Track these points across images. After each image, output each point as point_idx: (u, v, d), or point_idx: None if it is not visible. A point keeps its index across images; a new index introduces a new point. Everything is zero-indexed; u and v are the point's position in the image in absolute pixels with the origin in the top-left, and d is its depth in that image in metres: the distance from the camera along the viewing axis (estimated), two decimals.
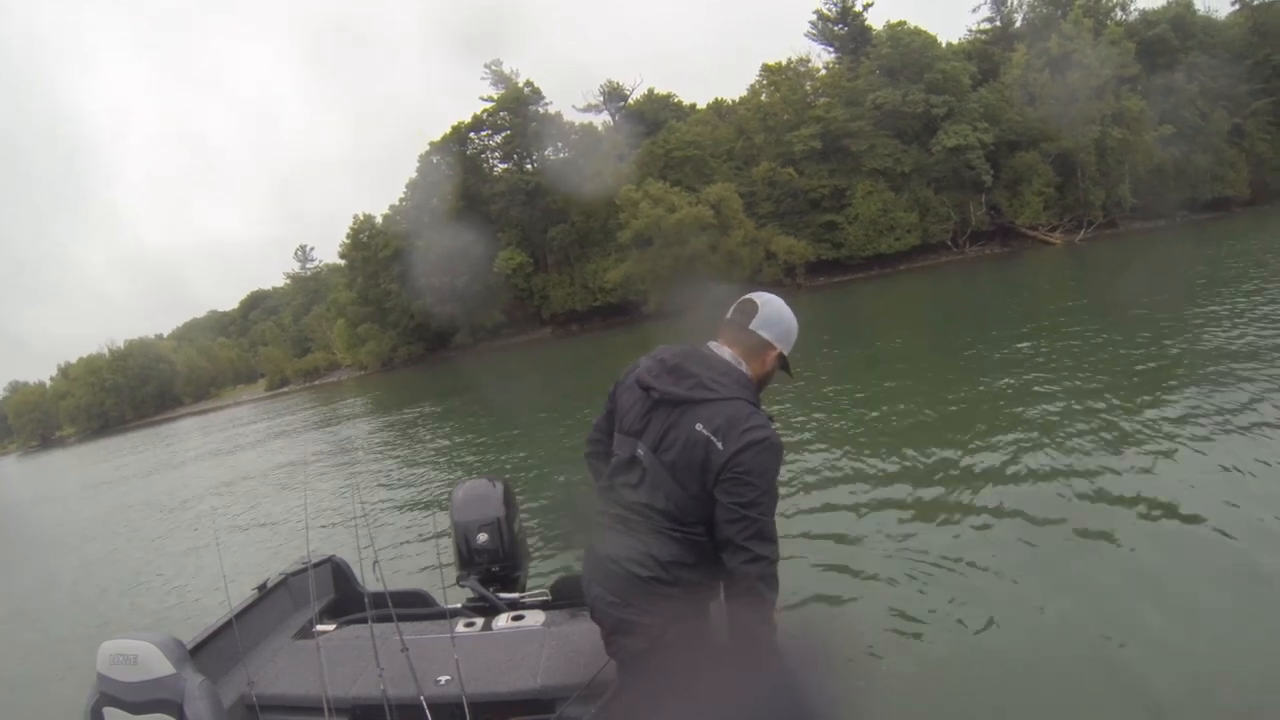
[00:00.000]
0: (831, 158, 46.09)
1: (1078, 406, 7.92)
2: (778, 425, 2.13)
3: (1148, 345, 10.73)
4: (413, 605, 3.58)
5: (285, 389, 69.08)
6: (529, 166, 49.10)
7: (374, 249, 50.83)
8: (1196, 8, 51.65)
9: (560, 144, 50.07)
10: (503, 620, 3.20)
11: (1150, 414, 7.24)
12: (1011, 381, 9.79)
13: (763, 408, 2.21)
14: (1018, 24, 52.13)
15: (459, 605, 3.52)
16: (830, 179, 46.03)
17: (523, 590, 3.66)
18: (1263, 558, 4.14)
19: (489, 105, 49.48)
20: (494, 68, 50.08)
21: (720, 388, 2.14)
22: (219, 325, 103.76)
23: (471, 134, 49.78)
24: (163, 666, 2.35)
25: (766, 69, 50.09)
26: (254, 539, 8.76)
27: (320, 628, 3.34)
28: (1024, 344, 12.32)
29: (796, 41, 61.32)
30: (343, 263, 56.58)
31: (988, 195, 46.13)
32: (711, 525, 2.11)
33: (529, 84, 49.95)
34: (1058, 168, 45.54)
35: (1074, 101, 43.15)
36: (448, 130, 49.75)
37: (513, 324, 48.67)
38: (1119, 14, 51.35)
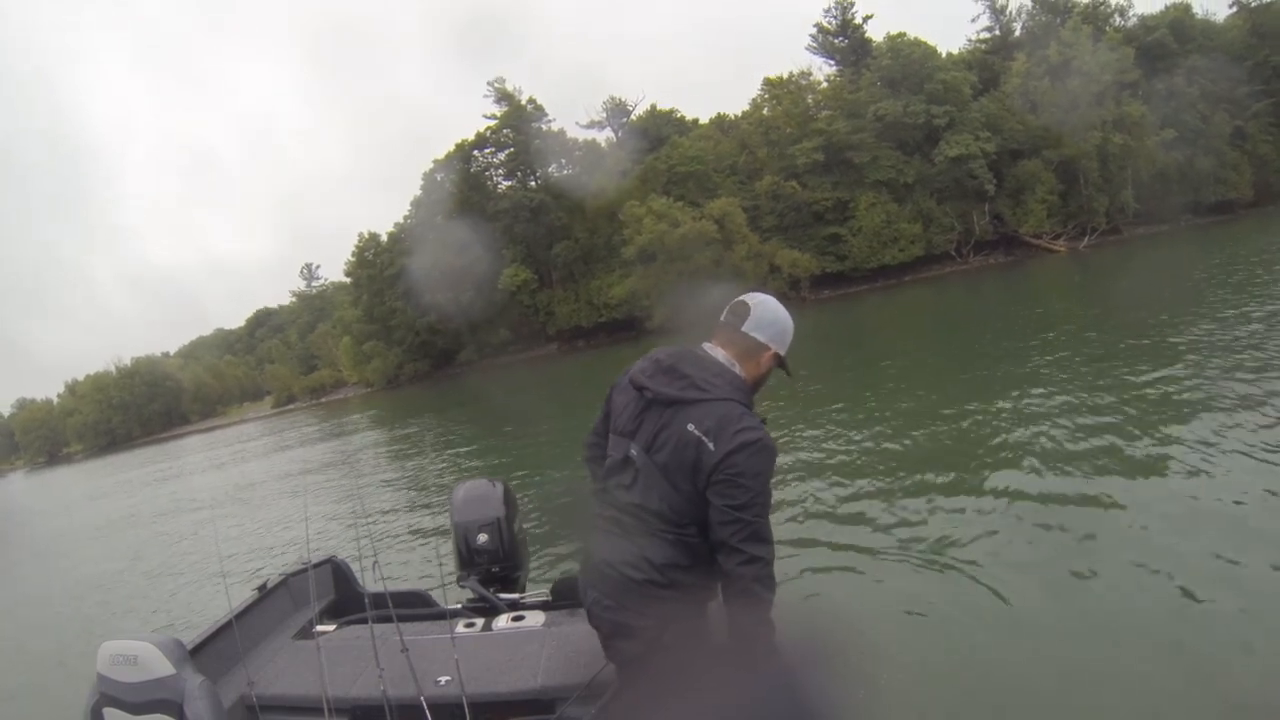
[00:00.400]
0: (834, 170, 46.09)
1: (1083, 412, 7.93)
2: (773, 429, 2.15)
3: (1154, 351, 10.71)
4: (413, 606, 3.57)
5: (291, 406, 69.30)
6: (533, 183, 49.25)
7: (379, 266, 51.05)
8: (1195, 11, 51.84)
9: (564, 160, 50.24)
10: (503, 621, 3.19)
11: (1155, 418, 7.24)
12: (1016, 390, 9.76)
13: (756, 410, 2.21)
14: (1017, 33, 52.23)
15: (459, 605, 3.51)
16: (833, 191, 46.00)
17: (523, 591, 3.66)
18: (1269, 561, 4.12)
19: (492, 123, 49.71)
20: (497, 85, 50.32)
21: (713, 389, 2.14)
22: (225, 343, 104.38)
23: (475, 151, 49.95)
24: (163, 667, 2.35)
25: (768, 83, 50.25)
26: (254, 540, 8.76)
27: (320, 628, 3.34)
28: (1029, 353, 12.32)
29: (797, 55, 61.68)
30: (348, 280, 56.74)
31: (991, 204, 46.09)
32: (705, 526, 2.11)
33: (532, 101, 50.23)
34: (1060, 175, 45.48)
35: (1075, 108, 43.18)
36: (451, 148, 50.08)
37: (518, 340, 48.73)
38: (1117, 20, 51.59)
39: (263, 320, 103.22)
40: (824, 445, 8.69)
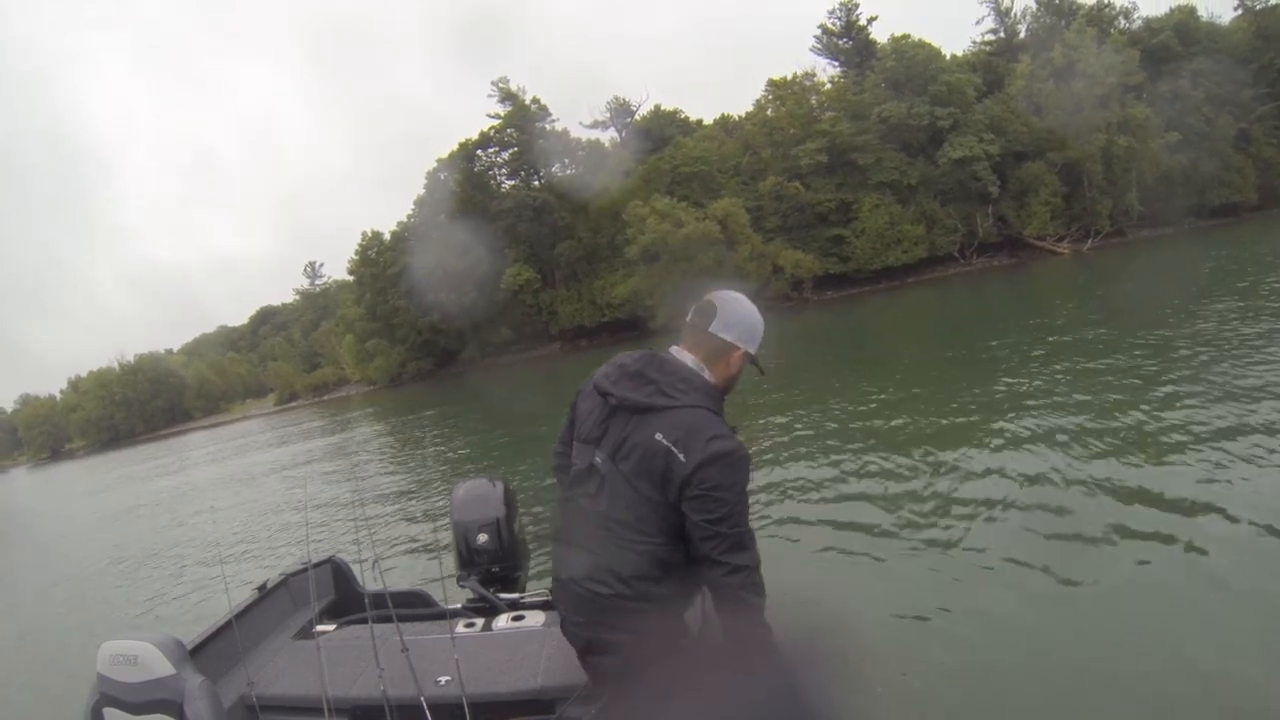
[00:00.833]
0: (838, 171, 46.09)
1: (1088, 415, 7.90)
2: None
3: (1160, 353, 10.70)
4: (413, 605, 3.57)
5: (294, 403, 69.56)
6: (536, 183, 49.31)
7: (382, 265, 51.18)
8: (1200, 13, 51.61)
9: (567, 160, 50.38)
10: (503, 620, 3.19)
11: (1160, 420, 7.21)
12: (1019, 392, 9.75)
13: (730, 421, 2.15)
14: (1021, 35, 52.25)
15: (459, 605, 3.51)
16: (837, 193, 46.02)
17: (523, 590, 3.65)
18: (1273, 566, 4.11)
19: (496, 122, 49.82)
20: (501, 85, 50.41)
21: (680, 395, 2.07)
22: (229, 340, 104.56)
23: (479, 150, 50.06)
24: (163, 667, 2.34)
25: (772, 84, 50.25)
26: (254, 540, 8.77)
27: (320, 628, 3.34)
28: (1033, 355, 12.30)
29: (798, 55, 61.66)
30: (351, 279, 56.93)
31: (994, 206, 46.04)
32: (674, 537, 2.06)
33: (535, 101, 50.32)
34: (1064, 177, 45.42)
35: (1079, 110, 43.12)
36: (455, 147, 50.16)
37: (521, 339, 48.78)
38: (1122, 22, 51.52)
39: (266, 318, 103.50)
40: (824, 446, 8.67)
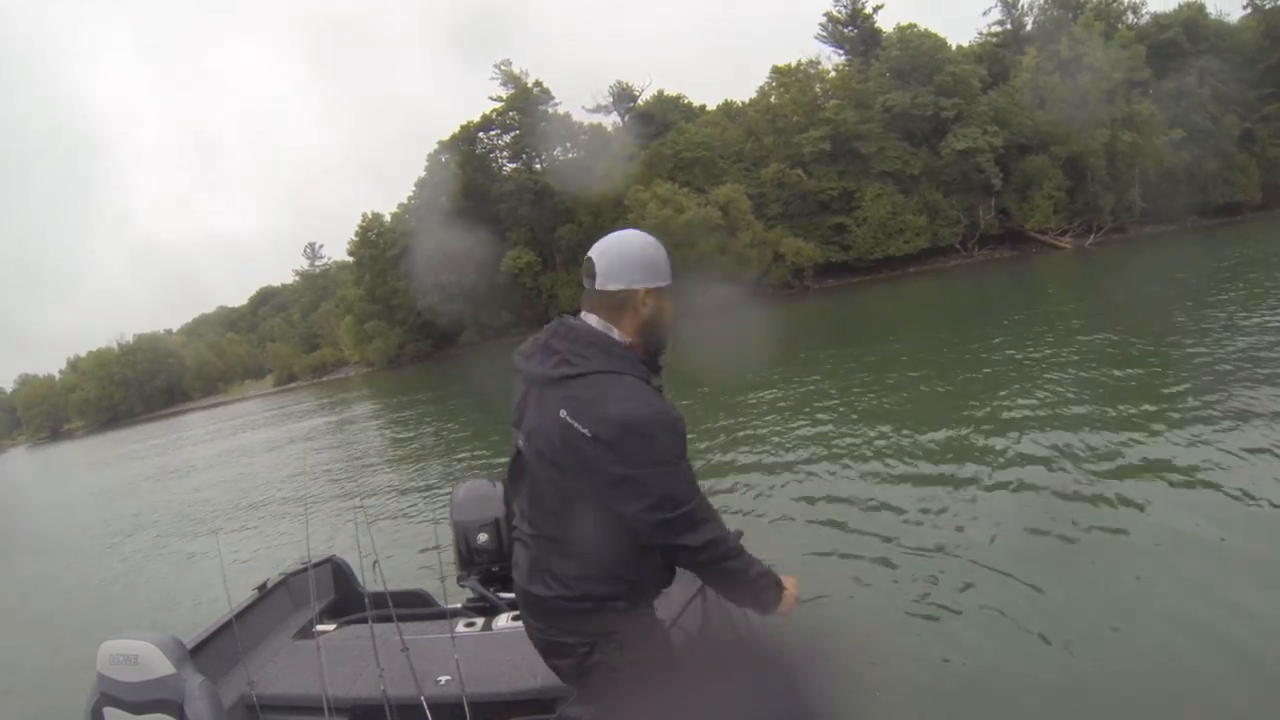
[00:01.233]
0: (841, 160, 45.94)
1: (1092, 411, 7.87)
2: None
3: (1163, 349, 10.71)
4: (413, 605, 3.58)
5: (293, 385, 69.56)
6: (538, 166, 49.13)
7: (382, 247, 51.04)
8: (1209, 11, 51.23)
9: (569, 144, 50.20)
10: (503, 620, 3.19)
11: (1164, 417, 7.19)
12: (1021, 386, 9.71)
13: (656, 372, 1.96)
14: (1028, 27, 52.00)
15: (459, 605, 3.53)
16: (839, 181, 45.89)
17: None
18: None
19: (498, 105, 49.59)
20: (504, 67, 50.16)
21: (583, 361, 1.82)
22: (228, 321, 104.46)
23: (480, 133, 49.88)
24: (163, 666, 2.35)
25: (776, 71, 50.00)
26: (254, 538, 8.77)
27: (320, 628, 3.35)
28: (1034, 348, 12.23)
29: (806, 44, 61.29)
30: (351, 260, 56.78)
31: (997, 199, 45.92)
32: (607, 529, 1.80)
33: (538, 84, 50.06)
34: (1068, 171, 45.26)
35: (1084, 105, 42.95)
36: (456, 129, 49.92)
37: (521, 323, 48.64)
38: (1130, 17, 51.22)
39: (266, 298, 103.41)
40: (821, 438, 8.66)
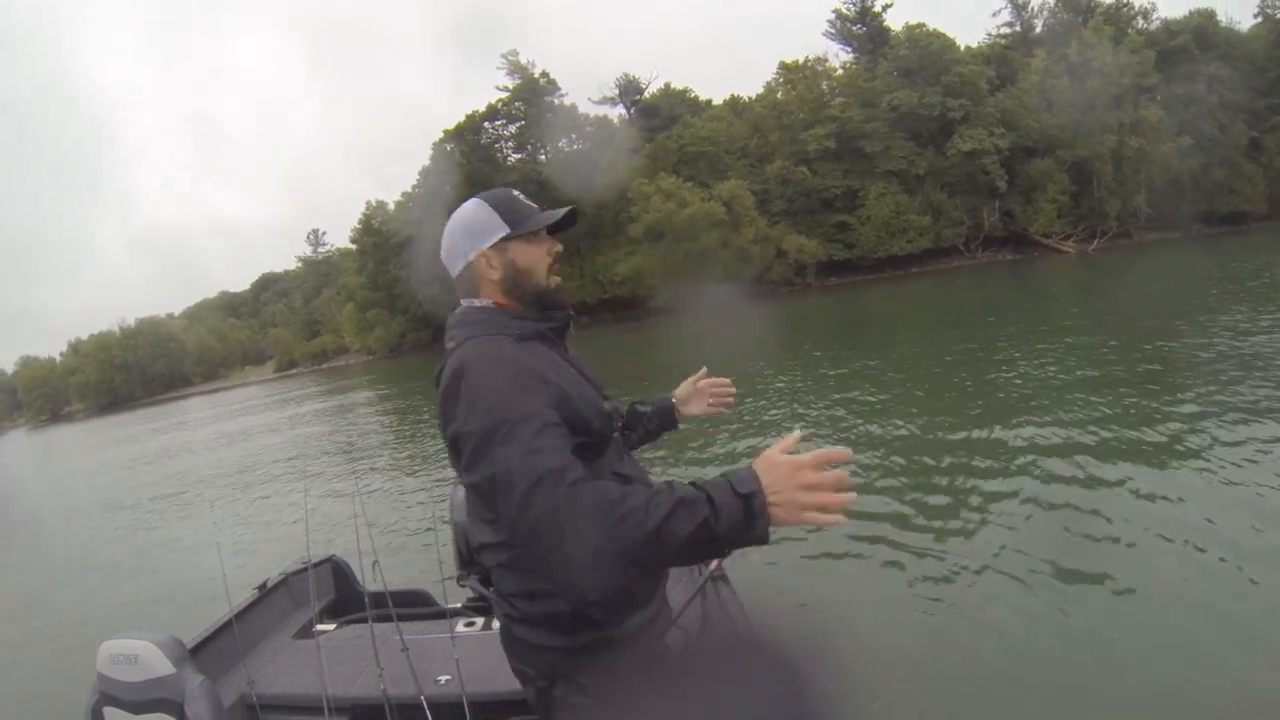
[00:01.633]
0: (846, 158, 45.89)
1: (1095, 413, 7.83)
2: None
3: (1166, 353, 10.69)
4: (413, 605, 3.59)
5: (294, 371, 69.68)
6: (542, 157, 49.01)
7: (385, 235, 50.88)
8: (1219, 18, 50.95)
9: (574, 136, 49.97)
10: None
11: (1167, 419, 7.19)
12: (1024, 388, 9.72)
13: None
14: (1038, 29, 51.83)
15: (459, 605, 3.53)
16: (844, 179, 45.83)
17: None
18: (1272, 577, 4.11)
19: (504, 95, 49.43)
20: (510, 58, 50.01)
21: (451, 344, 1.67)
22: (230, 306, 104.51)
23: (486, 123, 49.69)
24: (163, 666, 2.35)
25: (784, 67, 49.94)
26: (254, 538, 8.74)
27: (320, 627, 3.36)
28: (1038, 350, 12.23)
29: (814, 41, 61.11)
30: (354, 248, 56.72)
31: (1001, 201, 45.80)
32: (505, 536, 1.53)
33: (544, 75, 49.88)
34: (1073, 176, 45.10)
35: (1092, 109, 42.85)
36: (462, 119, 49.76)
37: None
38: (1140, 22, 50.90)
39: (268, 284, 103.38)
40: (821, 437, 8.60)
